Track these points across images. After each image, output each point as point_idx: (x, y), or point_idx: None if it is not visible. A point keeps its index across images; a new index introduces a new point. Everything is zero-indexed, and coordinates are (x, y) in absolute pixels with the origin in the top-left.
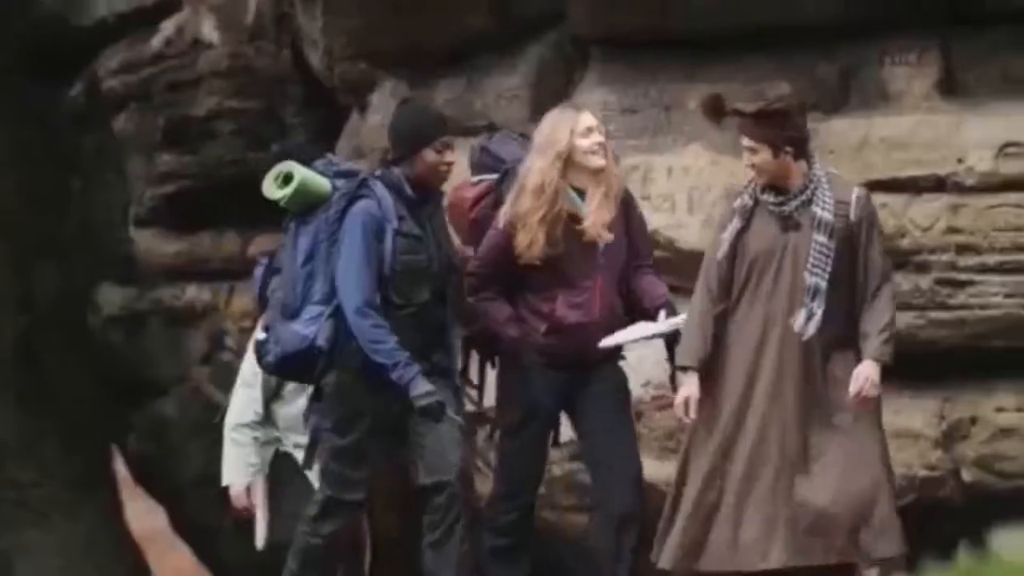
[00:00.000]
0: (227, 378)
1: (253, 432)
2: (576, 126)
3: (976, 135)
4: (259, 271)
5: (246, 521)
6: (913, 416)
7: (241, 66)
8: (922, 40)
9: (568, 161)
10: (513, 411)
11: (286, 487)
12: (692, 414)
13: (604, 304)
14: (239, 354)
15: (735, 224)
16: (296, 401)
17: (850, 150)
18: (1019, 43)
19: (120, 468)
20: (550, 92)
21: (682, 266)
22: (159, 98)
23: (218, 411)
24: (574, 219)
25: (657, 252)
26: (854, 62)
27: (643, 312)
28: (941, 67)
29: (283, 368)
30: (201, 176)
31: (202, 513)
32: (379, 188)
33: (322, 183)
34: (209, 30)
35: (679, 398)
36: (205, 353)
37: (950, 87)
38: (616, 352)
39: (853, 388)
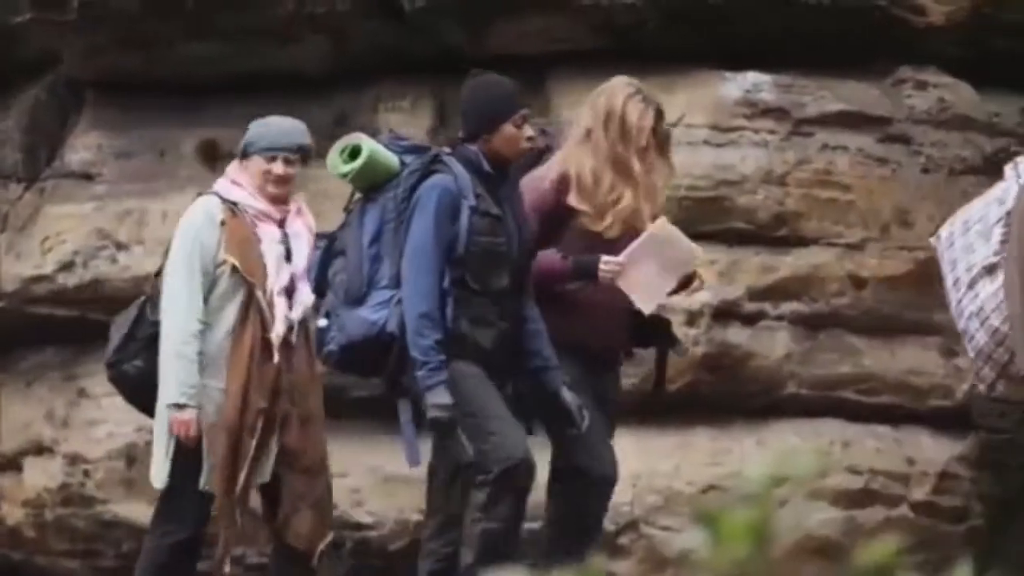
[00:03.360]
0: None
1: (198, 345)
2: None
3: None
4: (316, 254)
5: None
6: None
7: None
8: (416, 86)
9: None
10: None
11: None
12: None
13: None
14: None
15: None
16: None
17: (346, 197)
18: None
19: None
20: (43, 134)
21: None
22: None
23: None
24: None
25: None
26: (348, 107)
27: None
28: (435, 113)
29: (348, 357)
30: None
31: None
32: (455, 163)
33: (391, 158)
34: None
35: None
36: None
37: (445, 133)
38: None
39: None
